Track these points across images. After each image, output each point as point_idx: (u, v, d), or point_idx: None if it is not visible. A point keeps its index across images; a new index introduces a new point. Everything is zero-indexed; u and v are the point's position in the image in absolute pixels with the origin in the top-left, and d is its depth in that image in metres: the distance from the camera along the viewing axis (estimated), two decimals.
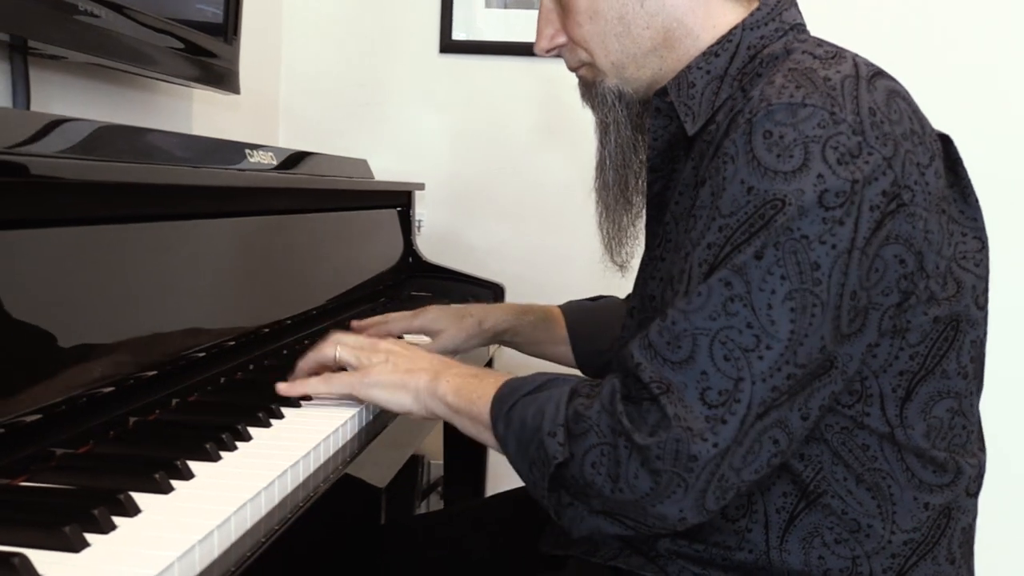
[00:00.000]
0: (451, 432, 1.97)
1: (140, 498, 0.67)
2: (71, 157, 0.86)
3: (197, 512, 0.66)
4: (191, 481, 0.73)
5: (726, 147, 0.77)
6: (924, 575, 0.83)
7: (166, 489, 0.70)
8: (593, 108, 0.98)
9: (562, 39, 0.96)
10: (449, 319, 1.18)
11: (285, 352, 1.22)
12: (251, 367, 1.12)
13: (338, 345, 0.97)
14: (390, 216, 1.87)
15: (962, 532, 0.86)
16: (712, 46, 0.88)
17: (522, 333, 1.23)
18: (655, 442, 0.72)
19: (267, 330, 1.22)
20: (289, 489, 0.77)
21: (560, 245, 2.14)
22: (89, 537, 0.60)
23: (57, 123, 0.88)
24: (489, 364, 1.84)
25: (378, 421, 1.00)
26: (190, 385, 0.99)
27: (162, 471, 0.71)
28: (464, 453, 1.95)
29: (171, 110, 1.72)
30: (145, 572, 0.56)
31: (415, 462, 2.11)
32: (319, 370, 0.99)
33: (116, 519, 0.63)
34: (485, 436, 0.87)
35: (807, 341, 0.73)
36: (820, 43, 0.84)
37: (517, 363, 1.61)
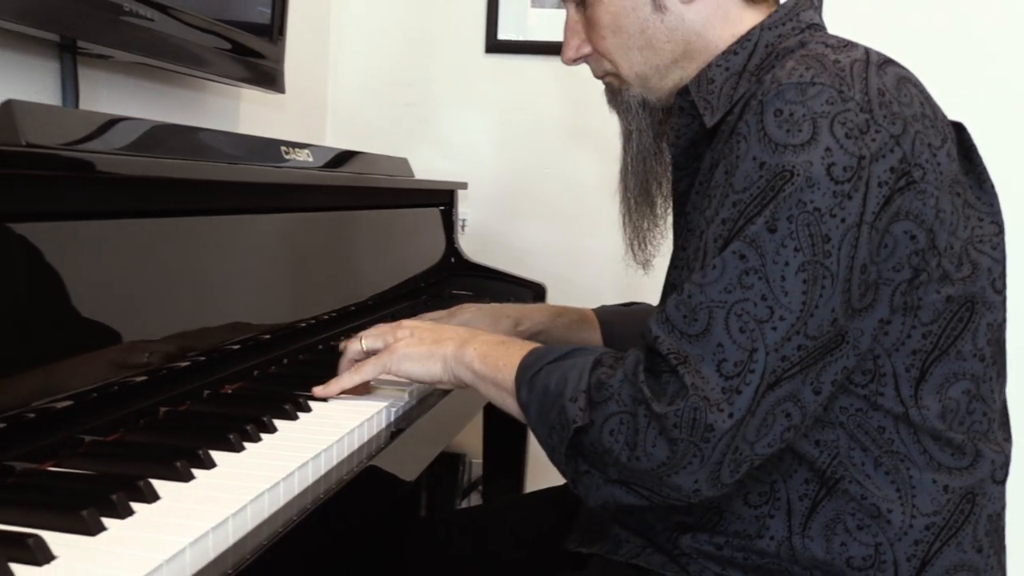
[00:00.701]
0: (491, 431, 1.98)
1: (160, 485, 0.68)
2: (117, 153, 0.89)
3: (214, 500, 0.67)
4: (212, 470, 0.74)
5: (739, 128, 0.79)
6: (950, 562, 0.82)
7: (186, 477, 0.71)
8: (618, 114, 1.01)
9: (587, 49, 0.98)
10: (486, 319, 1.19)
11: (320, 347, 1.23)
12: (285, 361, 1.14)
13: (363, 338, 0.99)
14: (433, 215, 1.88)
15: (989, 520, 0.85)
16: (732, 46, 0.90)
17: (557, 335, 1.24)
18: (673, 410, 0.74)
19: (303, 325, 1.24)
20: (310, 481, 0.78)
21: (602, 246, 2.13)
22: (106, 521, 0.61)
23: (112, 122, 0.91)
24: None
25: (406, 416, 1.01)
26: (223, 377, 1.01)
27: (184, 460, 0.72)
28: (503, 453, 1.96)
29: (219, 109, 1.76)
30: (157, 556, 0.57)
31: (456, 461, 2.13)
32: None
33: (134, 504, 0.64)
34: (509, 403, 0.88)
35: (817, 313, 0.74)
36: (834, 36, 0.87)
37: None
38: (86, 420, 0.80)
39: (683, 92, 0.92)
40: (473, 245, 2.14)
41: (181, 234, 0.97)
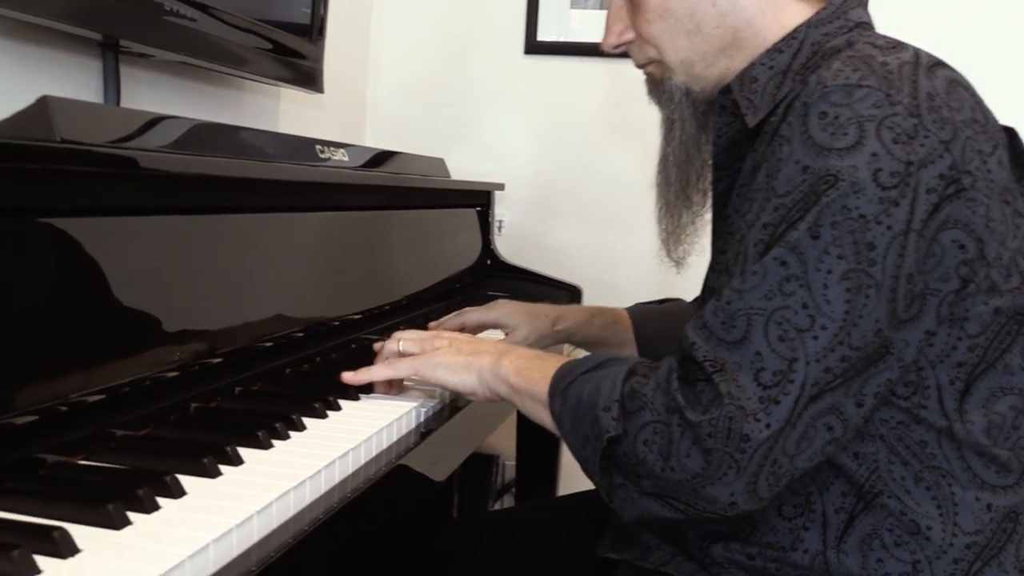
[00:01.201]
0: (524, 434, 1.97)
1: (187, 480, 0.69)
2: (151, 150, 0.89)
3: (240, 497, 0.67)
4: (239, 467, 0.74)
5: (782, 131, 0.77)
6: None
7: (213, 473, 0.71)
8: (659, 104, 0.98)
9: (630, 35, 0.95)
10: (523, 317, 1.19)
11: (353, 346, 1.23)
12: (318, 359, 1.14)
13: (400, 340, 0.99)
14: (469, 215, 1.88)
15: None
16: (777, 43, 0.88)
17: (591, 335, 1.23)
18: (707, 419, 0.72)
19: (336, 323, 1.24)
20: (337, 480, 0.78)
21: (639, 248, 2.10)
22: (132, 515, 0.62)
23: (148, 119, 0.92)
24: None
25: (437, 417, 1.01)
26: (255, 374, 1.01)
27: (211, 456, 0.72)
28: (537, 455, 1.95)
29: (258, 108, 1.77)
30: (181, 552, 0.57)
31: (490, 462, 2.12)
32: None
33: (160, 499, 0.65)
34: (543, 416, 0.87)
35: (861, 323, 0.72)
36: (883, 37, 0.84)
37: None
38: (118, 414, 0.80)
39: (725, 90, 0.90)
40: (509, 246, 2.13)
41: (215, 232, 0.98)
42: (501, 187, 1.94)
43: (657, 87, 0.97)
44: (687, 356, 0.77)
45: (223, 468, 0.73)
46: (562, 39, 2.15)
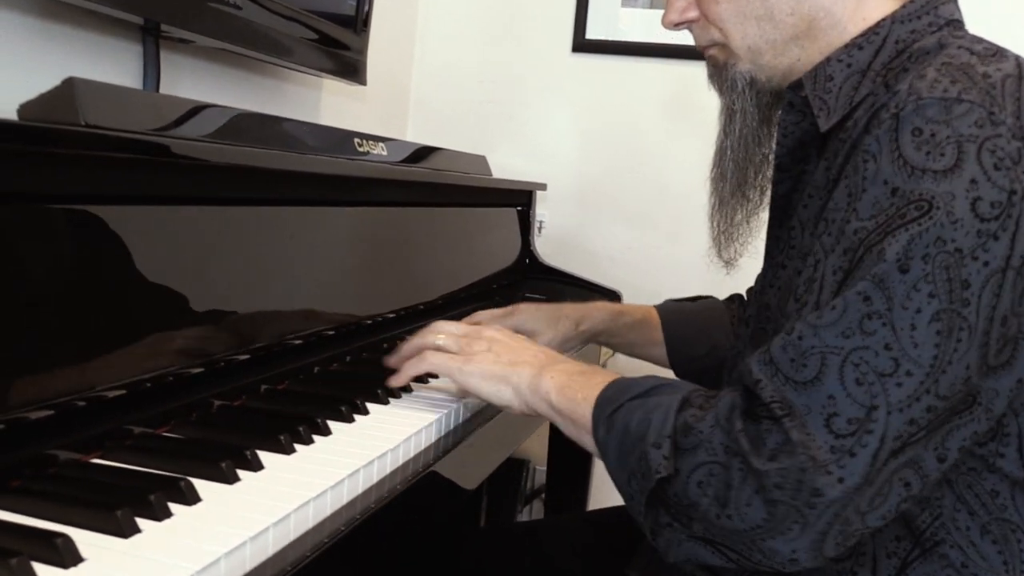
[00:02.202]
0: (556, 439, 1.93)
1: (203, 486, 0.65)
2: (177, 137, 0.87)
3: (257, 506, 0.63)
4: (259, 473, 0.71)
5: (867, 144, 0.70)
6: None
7: (231, 479, 0.68)
8: (720, 92, 0.90)
9: (693, 14, 0.88)
10: (544, 320, 1.13)
11: (385, 346, 1.20)
12: (348, 358, 1.10)
13: (440, 333, 0.94)
14: (509, 215, 1.84)
15: None
16: (856, 38, 0.81)
17: (618, 335, 1.18)
18: (776, 468, 0.65)
19: (369, 322, 1.21)
20: (360, 490, 0.74)
21: (683, 254, 2.06)
22: (141, 522, 0.58)
23: (177, 106, 0.89)
24: None
25: (467, 424, 0.97)
26: (282, 372, 0.98)
27: (230, 460, 0.69)
28: (569, 461, 1.90)
29: (301, 99, 1.75)
30: (191, 566, 0.54)
31: (520, 467, 2.08)
32: None
33: (173, 506, 0.61)
34: (586, 440, 0.81)
35: (950, 369, 0.65)
36: (979, 40, 0.76)
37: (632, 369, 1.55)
38: (138, 410, 0.77)
39: (796, 86, 0.83)
40: (549, 247, 2.09)
41: (246, 224, 0.95)
42: (543, 187, 1.89)
43: (719, 72, 0.89)
44: (751, 393, 0.70)
45: (241, 473, 0.69)
46: (611, 38, 2.10)
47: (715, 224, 0.96)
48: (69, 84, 0.67)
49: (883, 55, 0.79)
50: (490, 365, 0.88)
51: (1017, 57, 0.73)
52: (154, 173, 0.78)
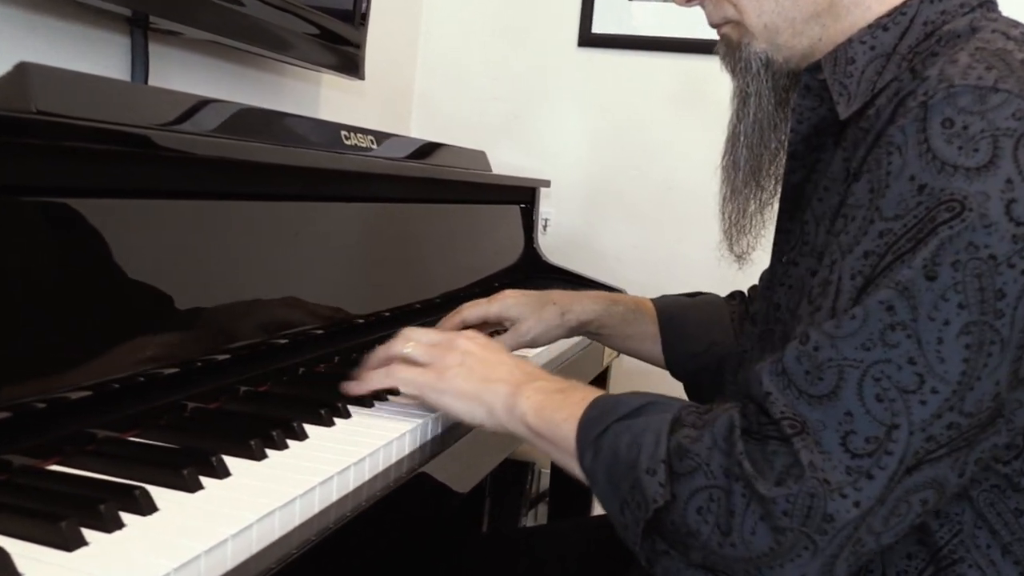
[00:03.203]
0: None
1: (161, 494, 0.62)
2: (144, 127, 0.83)
3: (217, 517, 0.60)
4: (224, 480, 0.67)
5: (891, 135, 0.64)
6: None
7: (193, 487, 0.64)
8: (732, 73, 0.84)
9: None
10: (528, 307, 1.07)
11: (377, 346, 1.16)
12: (336, 359, 1.07)
13: (409, 341, 0.88)
14: (512, 212, 1.80)
15: None
16: (881, 18, 0.75)
17: (609, 325, 1.10)
18: (783, 494, 0.60)
19: (360, 321, 1.17)
20: (335, 497, 0.71)
21: (690, 252, 2.02)
22: (89, 534, 0.55)
23: (149, 94, 0.86)
24: (605, 373, 1.75)
25: (456, 428, 0.93)
26: (265, 373, 0.94)
27: (193, 467, 0.65)
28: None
29: (299, 94, 1.71)
30: None
31: (524, 470, 2.04)
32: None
33: (126, 516, 0.58)
34: (570, 465, 0.75)
35: (979, 386, 0.60)
36: (1015, 23, 0.70)
37: (640, 371, 1.51)
38: (103, 413, 0.74)
39: (814, 68, 0.77)
40: (554, 246, 2.05)
41: (220, 218, 0.91)
42: (547, 184, 1.85)
43: (732, 52, 0.83)
44: (759, 407, 0.65)
45: (205, 481, 0.65)
46: (619, 32, 2.06)
47: (726, 216, 0.90)
48: (21, 69, 0.64)
49: (910, 37, 0.73)
50: (463, 382, 0.82)
51: None
52: (118, 164, 0.75)
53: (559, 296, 1.09)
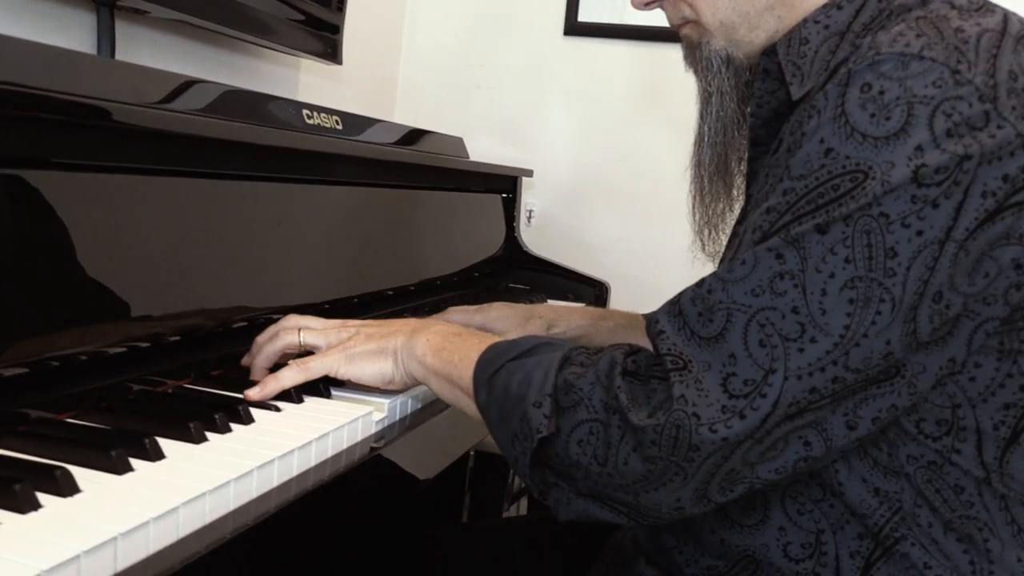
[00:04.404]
0: None
1: (86, 475, 0.59)
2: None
3: (143, 499, 0.57)
4: (157, 463, 0.64)
5: (815, 99, 0.64)
6: None
7: (121, 469, 0.62)
8: (696, 73, 0.84)
9: None
10: (514, 320, 1.07)
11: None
12: None
13: (301, 330, 0.87)
14: (493, 202, 1.78)
15: None
16: None
17: (597, 341, 1.09)
18: (652, 424, 0.63)
19: (327, 306, 1.15)
20: (276, 482, 0.68)
21: (678, 243, 1.98)
22: (2, 515, 0.52)
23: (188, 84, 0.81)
24: None
25: (417, 415, 0.90)
26: (219, 357, 0.92)
27: (122, 448, 0.63)
28: None
29: (278, 79, 1.69)
30: (40, 565, 0.48)
31: (506, 464, 2.02)
32: (283, 361, 0.86)
33: (44, 497, 0.56)
34: (465, 403, 0.78)
35: (865, 342, 0.61)
36: None
37: None
38: (40, 393, 0.72)
39: (770, 51, 0.77)
40: (539, 237, 2.03)
41: (179, 194, 0.89)
42: (529, 173, 1.83)
43: (693, 52, 0.83)
44: (639, 348, 0.68)
45: (136, 463, 0.63)
46: (605, 20, 2.03)
47: (697, 216, 0.91)
48: None
49: (864, 15, 0.72)
50: (365, 344, 0.83)
51: (1007, 13, 0.66)
52: (63, 134, 0.72)
53: (546, 310, 1.10)
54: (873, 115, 0.60)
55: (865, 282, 0.60)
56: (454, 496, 1.85)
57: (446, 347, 0.79)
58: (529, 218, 2.08)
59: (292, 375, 0.82)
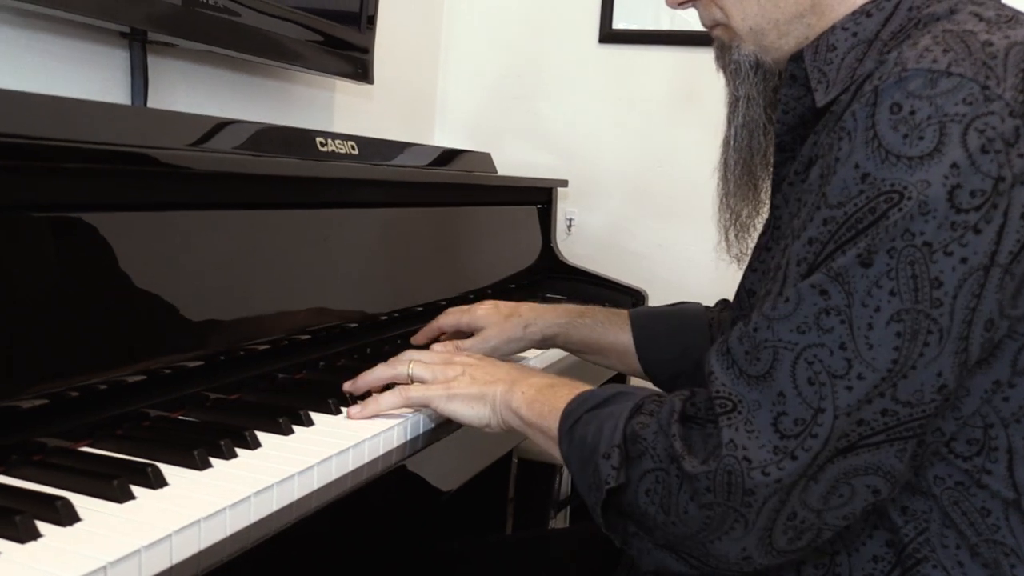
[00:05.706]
0: None
1: (88, 503, 0.62)
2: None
3: (142, 527, 0.60)
4: (158, 491, 0.67)
5: (844, 120, 0.63)
6: None
7: (122, 498, 0.65)
8: (725, 76, 0.85)
9: None
10: (496, 318, 1.09)
11: (369, 350, 1.16)
12: (321, 364, 1.07)
13: (412, 362, 0.91)
14: (529, 213, 1.79)
15: None
16: (866, 4, 0.73)
17: (576, 338, 1.11)
18: (704, 471, 0.63)
19: (354, 325, 1.18)
20: (275, 508, 0.71)
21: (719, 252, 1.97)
22: (1, 544, 0.56)
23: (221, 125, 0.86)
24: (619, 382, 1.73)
25: (438, 430, 0.92)
26: (239, 380, 0.95)
27: (124, 476, 0.66)
28: None
29: (309, 101, 1.72)
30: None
31: (551, 472, 2.02)
32: (389, 386, 0.93)
33: (44, 526, 0.59)
34: (556, 453, 0.79)
35: (913, 375, 0.60)
36: (999, 5, 0.68)
37: None
38: (58, 422, 0.75)
39: (797, 57, 0.77)
40: (581, 246, 2.03)
41: (206, 227, 0.92)
42: (564, 183, 1.83)
43: (725, 54, 0.83)
44: (698, 391, 0.68)
45: (137, 491, 0.66)
46: (639, 27, 2.03)
47: (723, 218, 0.91)
48: None
49: (893, 23, 0.71)
50: (467, 387, 0.87)
51: None
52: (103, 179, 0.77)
53: (526, 310, 1.12)
54: (906, 136, 0.59)
55: (912, 314, 0.59)
56: (497, 506, 1.87)
57: (539, 399, 0.81)
58: (569, 227, 2.08)
59: (391, 399, 0.88)
